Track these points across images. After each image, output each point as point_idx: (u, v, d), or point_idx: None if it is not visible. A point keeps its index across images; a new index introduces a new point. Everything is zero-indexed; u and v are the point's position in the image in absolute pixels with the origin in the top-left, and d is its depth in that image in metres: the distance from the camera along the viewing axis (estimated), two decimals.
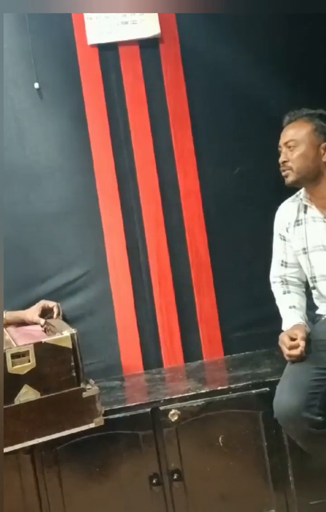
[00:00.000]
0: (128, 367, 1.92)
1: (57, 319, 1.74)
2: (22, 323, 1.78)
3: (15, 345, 1.41)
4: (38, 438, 1.36)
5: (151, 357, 1.95)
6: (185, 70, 2.03)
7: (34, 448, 1.44)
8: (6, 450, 1.32)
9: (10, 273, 1.93)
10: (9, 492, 1.46)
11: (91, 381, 1.47)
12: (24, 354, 1.38)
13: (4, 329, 1.73)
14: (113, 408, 1.53)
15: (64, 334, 1.44)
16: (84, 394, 1.40)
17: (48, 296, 1.89)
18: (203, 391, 1.59)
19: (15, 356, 1.37)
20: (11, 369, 1.35)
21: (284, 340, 1.51)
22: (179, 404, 1.55)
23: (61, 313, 1.78)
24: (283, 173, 1.62)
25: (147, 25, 2.00)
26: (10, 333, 1.63)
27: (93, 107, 1.98)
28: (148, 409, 1.54)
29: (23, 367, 1.37)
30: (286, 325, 1.60)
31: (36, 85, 1.95)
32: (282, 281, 1.71)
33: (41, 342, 1.40)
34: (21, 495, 1.47)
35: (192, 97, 2.02)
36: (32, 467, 1.47)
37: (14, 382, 1.35)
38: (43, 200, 1.97)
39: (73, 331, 1.46)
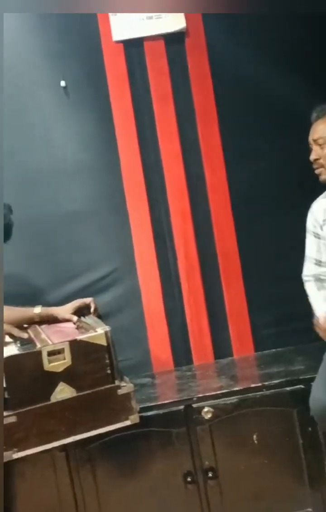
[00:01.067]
0: (158, 364, 1.92)
1: (92, 316, 1.74)
2: (55, 320, 1.79)
3: (50, 343, 1.41)
4: (75, 436, 1.36)
5: (181, 353, 1.94)
6: (211, 64, 2.01)
7: (68, 445, 1.44)
8: (43, 448, 1.33)
9: (40, 271, 1.95)
10: (44, 489, 1.47)
11: (126, 378, 1.47)
12: (60, 351, 1.38)
13: (37, 326, 1.74)
14: (146, 405, 1.52)
15: (98, 332, 1.44)
16: (119, 392, 1.40)
17: (78, 294, 1.90)
18: (236, 388, 1.58)
19: (51, 353, 1.37)
20: (48, 366, 1.36)
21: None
22: (212, 401, 1.54)
23: (96, 309, 1.79)
24: (316, 171, 1.59)
25: (172, 20, 1.98)
26: (43, 330, 1.63)
27: (119, 104, 1.98)
28: (181, 407, 1.53)
29: (59, 364, 1.37)
30: (320, 312, 1.57)
31: (63, 83, 1.96)
32: (315, 280, 1.68)
33: (76, 339, 1.40)
34: (56, 492, 1.48)
35: (218, 91, 2.00)
36: (67, 465, 1.48)
37: (50, 380, 1.35)
38: (70, 199, 1.98)
39: (107, 328, 1.45)
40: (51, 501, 1.48)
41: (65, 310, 1.77)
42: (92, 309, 1.78)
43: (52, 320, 1.79)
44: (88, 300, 1.80)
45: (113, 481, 1.51)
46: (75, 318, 1.73)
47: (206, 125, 2.00)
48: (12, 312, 1.79)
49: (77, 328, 1.72)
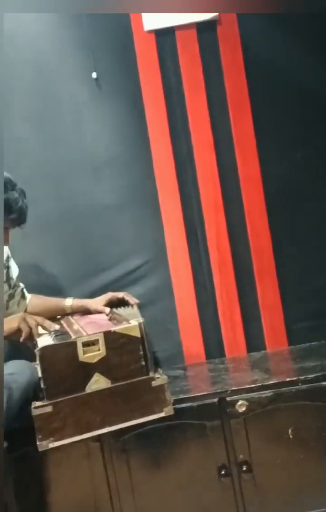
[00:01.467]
0: (190, 356, 1.91)
1: (125, 308, 1.75)
2: (86, 312, 1.80)
3: (85, 334, 1.41)
4: (110, 427, 1.36)
5: (213, 346, 1.92)
6: (244, 52, 1.97)
7: (103, 436, 1.45)
8: (79, 438, 1.34)
9: (72, 263, 1.96)
10: (79, 478, 1.48)
11: (160, 370, 1.46)
12: (94, 342, 1.38)
13: (69, 317, 1.76)
14: (179, 397, 1.51)
15: (132, 323, 1.43)
16: (154, 383, 1.40)
17: (110, 286, 1.91)
18: (270, 382, 1.55)
19: (85, 344, 1.37)
20: (82, 357, 1.36)
21: None
22: (246, 395, 1.52)
23: (134, 300, 1.78)
24: None
25: None
26: (76, 321, 1.64)
27: (150, 94, 1.96)
28: (215, 400, 1.52)
29: (94, 355, 1.37)
30: None
31: (94, 75, 1.95)
32: None
33: (110, 331, 1.40)
34: (91, 482, 1.49)
35: (252, 80, 1.96)
36: (101, 455, 1.49)
37: (85, 370, 1.36)
38: (102, 192, 1.97)
39: (141, 320, 1.45)
40: (86, 490, 1.49)
41: (97, 302, 1.79)
42: (131, 301, 1.79)
43: (83, 312, 1.81)
44: (120, 294, 1.81)
45: (147, 472, 1.51)
46: (107, 309, 1.74)
47: (238, 115, 1.97)
48: (43, 302, 1.81)
49: (110, 319, 1.72)
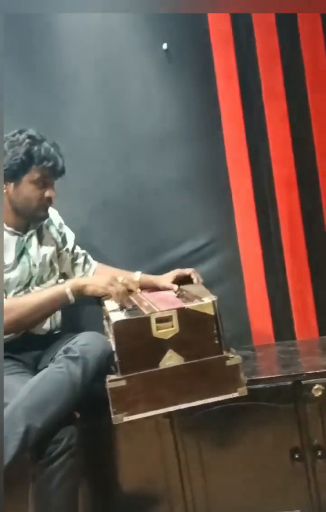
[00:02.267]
0: (258, 337, 1.86)
1: (193, 285, 1.71)
2: (154, 288, 1.78)
3: (157, 310, 1.39)
4: (182, 404, 1.34)
5: (282, 328, 1.87)
6: (323, 20, 1.84)
7: (173, 413, 1.43)
8: (153, 413, 1.33)
9: (138, 239, 1.94)
10: (150, 453, 1.49)
11: (232, 349, 1.43)
12: (167, 319, 1.36)
13: (138, 294, 1.74)
14: (252, 378, 1.48)
15: (206, 301, 1.40)
16: (228, 363, 1.36)
17: (176, 264, 1.87)
18: None
19: (159, 320, 1.35)
20: (156, 333, 1.34)
21: None
22: (322, 379, 1.47)
23: (200, 278, 1.75)
24: None
25: None
26: (146, 297, 1.62)
27: (222, 65, 1.88)
28: (290, 382, 1.47)
29: (167, 331, 1.35)
30: None
31: (165, 46, 1.88)
32: None
33: (184, 307, 1.37)
34: (161, 457, 1.49)
35: None
36: (171, 432, 1.48)
37: (159, 346, 1.34)
38: (170, 166, 1.93)
39: (214, 297, 1.41)
40: (156, 466, 1.49)
41: (165, 279, 1.76)
42: (195, 280, 1.75)
43: (150, 287, 1.79)
44: (188, 271, 1.77)
45: (217, 451, 1.49)
46: (176, 287, 1.71)
47: (316, 86, 1.86)
48: (112, 273, 1.80)
49: (178, 297, 1.70)
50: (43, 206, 1.59)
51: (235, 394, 1.36)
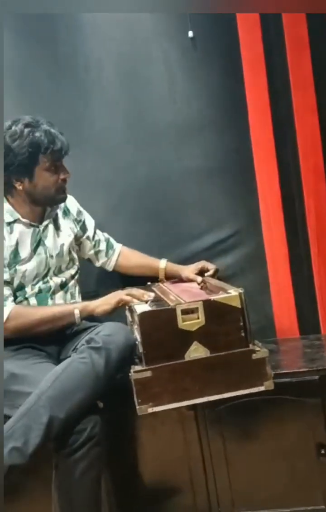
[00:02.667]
0: (282, 331, 1.83)
1: (214, 278, 1.70)
2: (177, 278, 1.76)
3: (183, 301, 1.37)
4: (208, 396, 1.33)
5: (307, 321, 1.83)
6: None
7: (197, 405, 1.42)
8: (178, 405, 1.32)
9: (161, 230, 1.92)
10: (173, 445, 1.48)
11: (258, 342, 1.40)
12: (193, 310, 1.34)
13: (161, 285, 1.73)
14: (277, 372, 1.45)
15: (232, 293, 1.37)
16: (254, 356, 1.34)
17: (200, 255, 1.85)
18: None
19: (184, 312, 1.33)
20: (181, 324, 1.33)
21: None
22: None
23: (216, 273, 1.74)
24: None
25: None
26: (170, 289, 1.61)
27: (249, 53, 1.83)
28: (316, 377, 1.45)
29: (193, 323, 1.34)
30: None
31: (190, 34, 1.84)
32: None
33: (210, 299, 1.35)
34: (184, 449, 1.48)
35: None
36: (195, 425, 1.47)
37: (184, 338, 1.33)
38: (194, 157, 1.89)
39: (241, 290, 1.39)
40: (179, 456, 1.48)
41: (190, 270, 1.75)
42: (211, 272, 1.74)
43: (174, 277, 1.77)
44: (211, 266, 1.75)
45: (241, 444, 1.47)
46: (200, 278, 1.70)
47: None
48: (138, 257, 1.81)
49: (202, 288, 1.68)
50: (61, 189, 1.57)
51: (261, 388, 1.35)
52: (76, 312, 1.47)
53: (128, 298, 1.47)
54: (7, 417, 1.29)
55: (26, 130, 1.47)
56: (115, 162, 1.90)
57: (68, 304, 1.57)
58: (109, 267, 1.80)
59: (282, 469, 1.46)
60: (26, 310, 1.50)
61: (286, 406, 1.45)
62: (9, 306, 1.46)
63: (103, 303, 1.48)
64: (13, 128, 1.48)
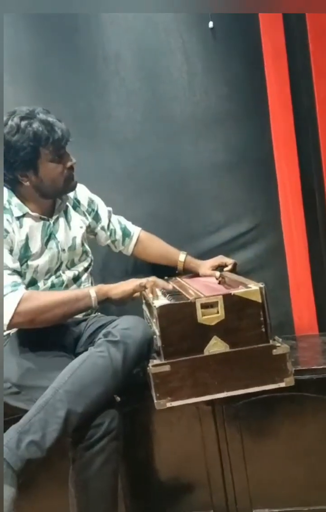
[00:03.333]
0: (301, 327, 1.80)
1: (230, 273, 1.67)
2: (194, 272, 1.74)
3: (202, 295, 1.35)
4: (227, 392, 1.31)
5: None
6: None
7: (215, 400, 1.39)
8: (196, 399, 1.30)
9: (179, 223, 1.90)
10: (190, 439, 1.46)
11: (278, 338, 1.38)
12: (213, 305, 1.32)
13: (179, 279, 1.71)
14: (297, 368, 1.43)
15: (253, 288, 1.35)
16: (275, 352, 1.32)
17: (217, 249, 1.83)
18: None
19: (204, 306, 1.31)
20: (201, 319, 1.31)
21: None
22: None
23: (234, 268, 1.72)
24: None
25: None
26: (188, 283, 1.59)
27: (270, 44, 1.79)
28: None
29: (212, 317, 1.31)
30: None
31: (210, 24, 1.81)
32: None
33: (230, 294, 1.33)
34: (201, 445, 1.46)
35: None
36: (213, 420, 1.45)
37: (204, 333, 1.31)
38: (211, 149, 1.86)
39: (261, 284, 1.36)
40: (196, 452, 1.46)
41: (207, 266, 1.73)
42: (227, 268, 1.72)
43: (191, 271, 1.75)
44: (230, 261, 1.73)
45: (259, 441, 1.45)
46: (217, 274, 1.68)
47: None
48: (158, 246, 1.79)
49: (220, 283, 1.66)
50: (69, 177, 1.52)
51: (282, 384, 1.32)
52: (92, 293, 1.42)
53: (150, 283, 1.43)
54: (24, 412, 1.28)
55: (23, 123, 1.41)
56: (133, 154, 1.88)
57: (83, 288, 1.56)
58: (128, 253, 1.79)
59: (301, 467, 1.44)
60: (39, 293, 1.47)
61: (305, 403, 1.43)
62: (21, 291, 1.39)
63: (121, 287, 1.44)
64: (9, 123, 1.42)
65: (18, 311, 1.36)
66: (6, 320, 1.36)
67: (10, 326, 1.39)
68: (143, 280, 1.45)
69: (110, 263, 1.89)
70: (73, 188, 1.57)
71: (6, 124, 1.43)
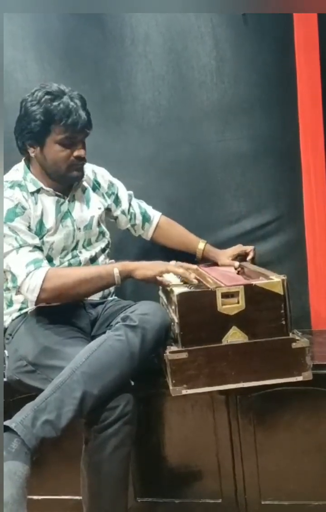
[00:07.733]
0: (318, 322, 1.78)
1: (250, 263, 1.66)
2: (213, 261, 1.73)
3: (223, 285, 1.33)
4: (244, 382, 1.30)
5: None
6: None
7: (229, 390, 1.38)
8: (212, 388, 1.29)
9: (200, 213, 1.87)
10: (202, 427, 1.46)
11: (297, 331, 1.36)
12: (233, 295, 1.31)
13: (198, 268, 1.69)
14: (315, 363, 1.40)
15: (275, 279, 1.33)
16: (294, 345, 1.31)
17: (237, 240, 1.81)
18: None
19: (224, 295, 1.30)
20: (221, 308, 1.29)
21: None
22: None
23: (254, 257, 1.71)
24: None
25: None
26: (207, 272, 1.57)
27: (303, 29, 1.74)
28: None
29: (232, 307, 1.30)
30: None
31: None
32: None
33: (251, 284, 1.31)
34: (213, 434, 1.46)
35: None
36: (226, 410, 1.44)
37: (223, 322, 1.30)
38: (237, 138, 1.83)
39: (283, 277, 1.35)
40: (207, 440, 1.46)
41: (226, 255, 1.71)
42: (249, 257, 1.71)
43: (209, 260, 1.74)
44: (249, 248, 1.72)
45: (272, 433, 1.45)
46: (237, 263, 1.66)
47: None
48: (177, 232, 1.77)
49: (239, 273, 1.64)
50: (74, 166, 1.49)
51: (299, 378, 1.31)
52: (116, 271, 1.41)
53: (180, 270, 1.42)
54: (39, 390, 1.28)
55: (45, 98, 1.42)
56: (157, 140, 1.85)
57: (106, 264, 1.55)
58: (147, 238, 1.78)
59: (312, 462, 1.43)
60: (63, 270, 1.47)
61: (321, 398, 1.41)
62: (45, 268, 1.40)
63: (147, 267, 1.42)
64: (35, 93, 1.44)
65: (44, 288, 1.38)
66: (32, 297, 1.38)
67: (37, 302, 1.40)
68: (175, 269, 1.42)
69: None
70: (76, 179, 1.54)
71: (33, 93, 1.45)
